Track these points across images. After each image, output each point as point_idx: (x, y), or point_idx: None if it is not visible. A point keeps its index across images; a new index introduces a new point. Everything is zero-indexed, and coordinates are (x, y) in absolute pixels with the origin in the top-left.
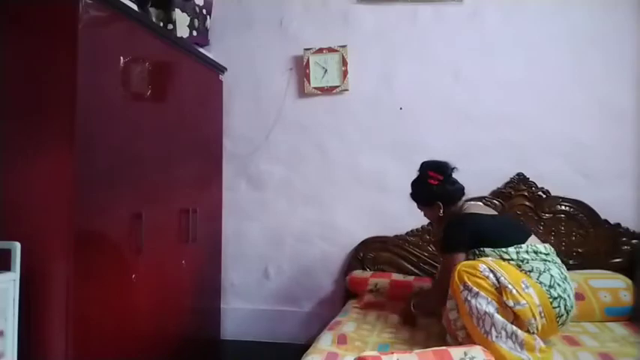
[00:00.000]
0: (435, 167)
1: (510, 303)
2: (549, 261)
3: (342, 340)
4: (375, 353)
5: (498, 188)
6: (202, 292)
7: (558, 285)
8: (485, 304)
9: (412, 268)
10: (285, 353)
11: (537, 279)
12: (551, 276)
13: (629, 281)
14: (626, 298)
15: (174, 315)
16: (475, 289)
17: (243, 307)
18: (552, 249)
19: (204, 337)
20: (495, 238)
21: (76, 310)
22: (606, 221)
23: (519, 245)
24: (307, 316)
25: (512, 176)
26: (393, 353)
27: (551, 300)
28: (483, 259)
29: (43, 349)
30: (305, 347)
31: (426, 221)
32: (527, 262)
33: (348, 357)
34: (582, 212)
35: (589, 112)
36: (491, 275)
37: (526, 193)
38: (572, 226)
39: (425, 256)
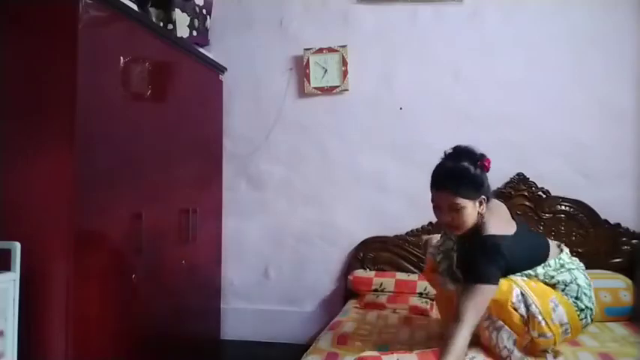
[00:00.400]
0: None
1: (535, 334)
2: (574, 268)
3: (342, 340)
4: (375, 353)
5: (498, 188)
6: (202, 292)
7: (584, 294)
8: (505, 339)
9: (412, 268)
10: (285, 353)
11: (563, 291)
12: (579, 286)
13: (629, 281)
14: (626, 298)
15: (174, 315)
16: (500, 322)
17: (243, 307)
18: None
19: (204, 337)
20: (525, 265)
21: (76, 310)
22: (606, 221)
23: (547, 263)
24: (307, 316)
25: (512, 176)
26: (393, 353)
27: (578, 312)
28: (513, 278)
29: (43, 349)
30: (305, 347)
31: (425, 221)
32: (553, 277)
33: (348, 357)
34: (582, 212)
35: (589, 112)
36: (522, 306)
37: (526, 193)
38: (572, 226)
39: (425, 256)
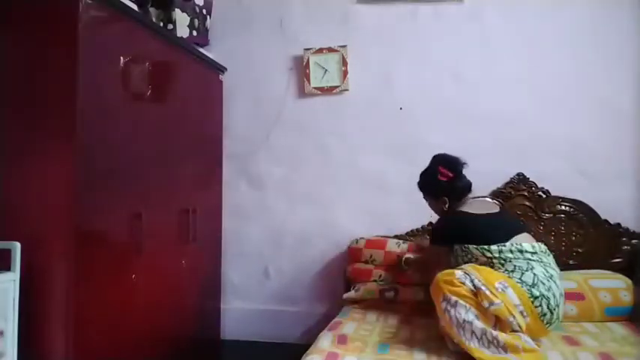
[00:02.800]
0: (447, 163)
1: (485, 304)
2: (534, 260)
3: (342, 340)
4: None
5: (498, 188)
6: (202, 292)
7: (542, 283)
8: (464, 313)
9: None
10: (285, 353)
11: (520, 278)
12: (534, 275)
13: (629, 281)
14: (626, 298)
15: (175, 315)
16: (453, 298)
17: (243, 307)
18: (542, 247)
19: (204, 337)
20: (478, 237)
21: (76, 310)
22: (606, 221)
23: (502, 244)
24: (307, 316)
25: (512, 176)
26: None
27: (532, 299)
28: (462, 266)
29: (43, 349)
30: (305, 347)
31: (426, 221)
32: (510, 261)
33: (348, 357)
34: (582, 212)
35: (589, 112)
36: (467, 281)
37: (526, 193)
38: (572, 226)
39: None
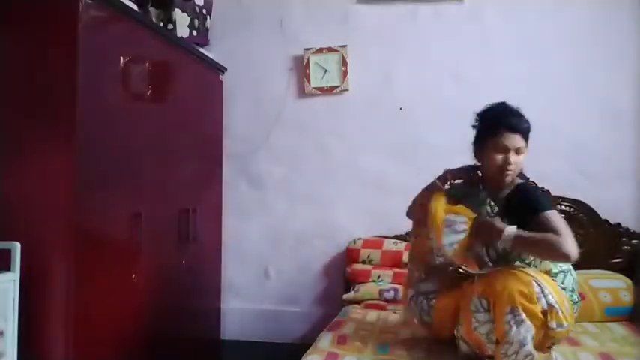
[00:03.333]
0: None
1: (553, 325)
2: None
3: (342, 340)
4: None
5: None
6: (202, 292)
7: (575, 288)
8: (523, 333)
9: None
10: (285, 353)
11: (562, 282)
12: (573, 278)
13: (629, 281)
14: (626, 298)
15: (174, 315)
16: (522, 315)
17: (243, 307)
18: None
19: (204, 337)
20: None
21: (76, 310)
22: (606, 221)
23: None
24: (307, 316)
25: None
26: None
27: (574, 306)
28: (531, 272)
29: (43, 349)
30: (305, 347)
31: None
32: (557, 264)
33: (348, 357)
34: (582, 212)
35: (589, 112)
36: (542, 297)
37: None
38: (572, 226)
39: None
